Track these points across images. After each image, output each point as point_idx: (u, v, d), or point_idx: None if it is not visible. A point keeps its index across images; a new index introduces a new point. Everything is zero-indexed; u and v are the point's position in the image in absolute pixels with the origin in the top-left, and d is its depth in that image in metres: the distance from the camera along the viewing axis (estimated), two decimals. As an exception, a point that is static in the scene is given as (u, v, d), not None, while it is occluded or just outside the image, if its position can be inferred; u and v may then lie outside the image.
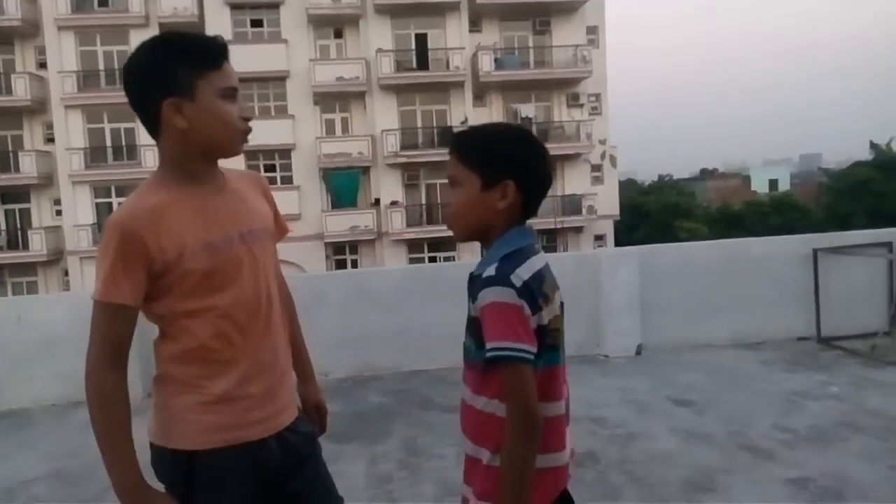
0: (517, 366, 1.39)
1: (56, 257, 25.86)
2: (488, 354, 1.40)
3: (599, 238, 27.60)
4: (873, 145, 41.61)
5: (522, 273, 1.43)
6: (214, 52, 1.57)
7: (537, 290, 1.44)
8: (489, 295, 1.41)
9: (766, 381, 4.90)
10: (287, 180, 26.14)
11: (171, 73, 1.52)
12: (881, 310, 5.86)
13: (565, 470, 1.55)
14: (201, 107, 1.54)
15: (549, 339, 1.47)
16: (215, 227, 1.59)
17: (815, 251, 5.95)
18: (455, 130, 1.55)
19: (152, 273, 1.51)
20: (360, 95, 26.35)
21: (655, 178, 60.91)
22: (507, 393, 1.41)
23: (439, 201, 26.02)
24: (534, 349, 1.40)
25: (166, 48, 1.56)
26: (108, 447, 1.51)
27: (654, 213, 40.27)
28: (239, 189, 1.70)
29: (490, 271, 1.43)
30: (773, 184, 58.92)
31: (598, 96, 28.08)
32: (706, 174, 71.43)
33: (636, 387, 4.89)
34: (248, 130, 1.63)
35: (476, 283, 1.47)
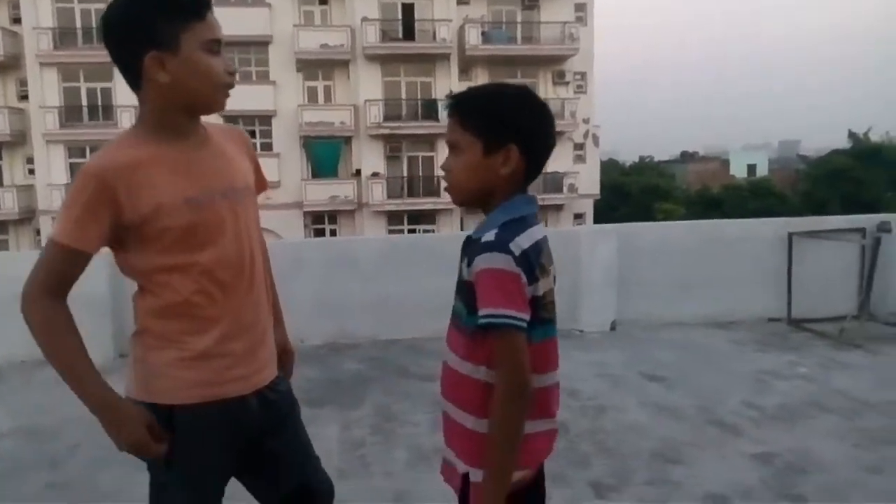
0: (511, 332, 1.35)
1: (28, 216, 25.46)
2: (481, 321, 1.36)
3: (579, 216, 27.72)
4: (851, 134, 42.03)
5: (522, 242, 1.39)
6: (198, 1, 1.52)
7: (535, 261, 1.41)
8: (486, 260, 1.37)
9: (736, 360, 4.99)
10: (267, 147, 25.79)
11: (151, 26, 1.47)
12: (852, 294, 5.96)
13: (557, 431, 1.58)
14: (184, 60, 1.49)
15: (544, 313, 1.45)
16: (197, 182, 1.56)
17: (791, 235, 6.03)
18: (455, 92, 1.49)
19: (119, 224, 1.49)
20: (344, 64, 26.01)
21: (637, 159, 61.15)
22: (498, 360, 1.39)
23: (420, 174, 25.88)
24: (527, 318, 1.37)
25: None
26: (67, 369, 1.48)
27: (634, 194, 40.46)
28: (221, 144, 1.67)
29: (489, 237, 1.39)
30: (752, 169, 59.36)
31: (583, 75, 28.02)
32: (687, 157, 71.91)
33: (610, 361, 4.95)
34: (232, 84, 1.59)
35: (473, 247, 1.42)
